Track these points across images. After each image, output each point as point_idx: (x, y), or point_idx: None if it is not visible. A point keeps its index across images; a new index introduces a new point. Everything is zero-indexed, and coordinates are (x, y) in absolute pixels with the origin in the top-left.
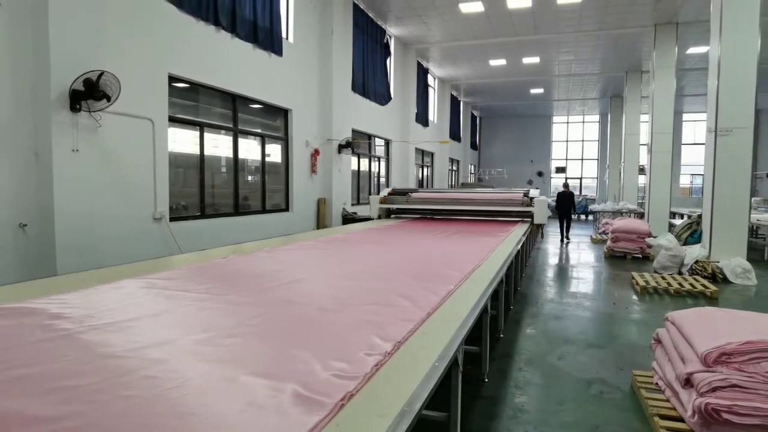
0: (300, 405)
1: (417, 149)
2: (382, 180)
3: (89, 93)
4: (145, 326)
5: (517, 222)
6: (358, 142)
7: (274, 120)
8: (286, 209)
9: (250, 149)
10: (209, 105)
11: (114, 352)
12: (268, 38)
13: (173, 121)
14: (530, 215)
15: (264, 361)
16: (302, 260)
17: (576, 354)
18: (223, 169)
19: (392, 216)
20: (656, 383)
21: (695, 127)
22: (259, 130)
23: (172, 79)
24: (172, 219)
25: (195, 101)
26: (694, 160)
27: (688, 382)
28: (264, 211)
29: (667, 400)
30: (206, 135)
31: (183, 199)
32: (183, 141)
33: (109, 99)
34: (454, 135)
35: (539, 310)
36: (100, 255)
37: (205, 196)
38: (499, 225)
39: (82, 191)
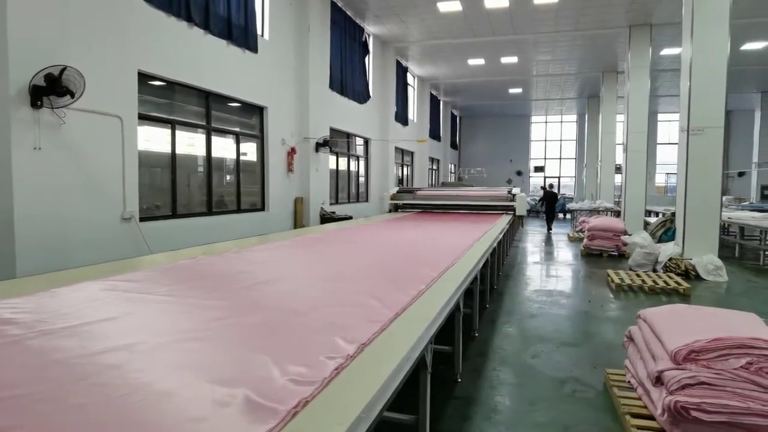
0: (251, 413)
1: (397, 148)
2: (362, 179)
3: (51, 89)
4: (102, 330)
5: (501, 214)
6: (336, 141)
7: (250, 118)
8: (262, 209)
9: (224, 148)
10: (182, 102)
11: (65, 358)
12: (242, 35)
13: (144, 118)
14: (513, 208)
15: (220, 367)
16: (274, 260)
17: (550, 352)
18: (197, 168)
19: (399, 210)
20: (628, 381)
21: (670, 127)
22: (233, 128)
23: (143, 75)
24: (142, 219)
25: (167, 98)
26: (669, 159)
27: (658, 380)
28: (239, 210)
29: (639, 399)
30: (179, 133)
31: (154, 198)
32: (154, 139)
33: (72, 95)
34: (434, 134)
35: (515, 308)
36: (66, 258)
37: (177, 196)
38: (487, 216)
39: (45, 191)
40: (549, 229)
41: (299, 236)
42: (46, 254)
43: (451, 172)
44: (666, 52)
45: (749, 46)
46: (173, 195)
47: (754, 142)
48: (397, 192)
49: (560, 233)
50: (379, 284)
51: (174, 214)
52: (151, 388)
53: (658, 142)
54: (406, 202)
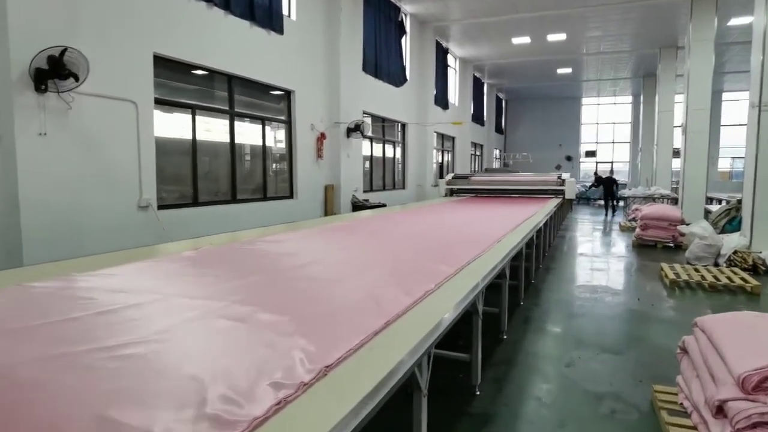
0: None
1: (437, 133)
2: (398, 166)
3: (54, 71)
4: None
5: (551, 197)
6: (369, 125)
7: (276, 102)
8: (291, 196)
9: (249, 133)
10: (202, 87)
11: None
12: (266, 15)
13: (161, 103)
14: (563, 192)
15: (144, 393)
16: (292, 250)
17: (589, 360)
18: (220, 155)
19: (454, 195)
20: (681, 403)
21: (737, 107)
22: (259, 113)
23: (159, 59)
24: (160, 207)
25: (186, 83)
26: (735, 142)
27: (720, 411)
28: (265, 198)
29: (694, 428)
30: (201, 119)
31: (173, 186)
32: (173, 125)
33: (77, 78)
34: (477, 118)
35: (552, 306)
36: (79, 247)
37: (199, 183)
38: (537, 200)
39: (53, 178)
40: (606, 214)
41: (329, 224)
42: (57, 243)
43: (495, 158)
44: (734, 22)
45: None
46: (194, 182)
47: None
48: (453, 178)
49: (612, 222)
50: (382, 280)
51: (195, 202)
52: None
53: (723, 123)
54: (461, 187)
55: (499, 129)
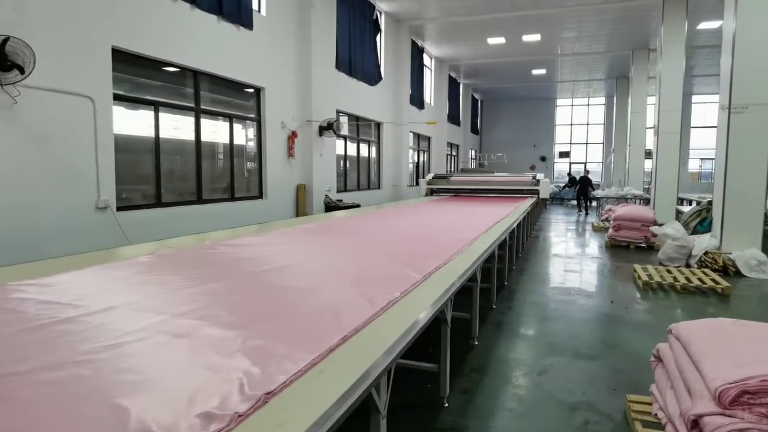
0: None
1: (413, 133)
2: (373, 166)
3: None
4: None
5: (526, 197)
6: (341, 124)
7: (246, 100)
8: (260, 196)
9: (216, 131)
10: (167, 83)
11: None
12: (235, 10)
13: (121, 99)
14: (537, 192)
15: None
16: (255, 254)
17: (562, 368)
18: (185, 153)
19: (434, 194)
20: (655, 414)
21: (705, 109)
22: (226, 111)
23: (119, 53)
24: (120, 208)
25: (150, 78)
26: (704, 143)
27: (695, 425)
28: (233, 198)
29: None
30: (166, 116)
31: (135, 186)
32: (135, 122)
33: (22, 71)
34: (453, 118)
35: (526, 309)
36: (27, 250)
37: (162, 183)
38: (513, 200)
39: None
40: (584, 210)
41: (301, 225)
42: (3, 246)
43: (471, 158)
44: (704, 26)
45: None
46: (157, 182)
47: None
48: (433, 178)
49: (585, 222)
50: (346, 288)
51: (159, 203)
52: None
53: (692, 125)
54: (441, 187)
55: (475, 129)
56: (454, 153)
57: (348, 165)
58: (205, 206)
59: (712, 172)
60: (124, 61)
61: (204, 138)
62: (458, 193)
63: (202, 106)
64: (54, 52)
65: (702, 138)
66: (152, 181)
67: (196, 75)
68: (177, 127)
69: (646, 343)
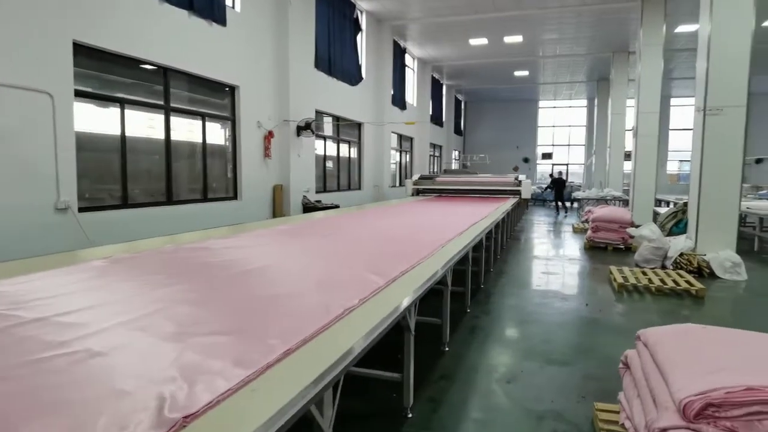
0: None
1: (395, 133)
2: (354, 166)
3: None
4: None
5: (509, 197)
6: (320, 124)
7: (220, 98)
8: (235, 197)
9: (188, 130)
10: (135, 79)
11: None
12: (206, 5)
13: (84, 96)
14: (519, 192)
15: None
16: (217, 258)
17: (533, 374)
18: (154, 153)
19: (419, 194)
20: (622, 423)
21: (683, 112)
22: (199, 109)
23: (82, 47)
24: (83, 209)
25: (117, 74)
26: (682, 145)
27: None
28: (206, 199)
29: None
30: (135, 114)
31: (100, 186)
32: (100, 119)
33: None
34: (436, 119)
35: (502, 313)
36: None
37: (128, 183)
38: (496, 200)
39: None
40: (561, 210)
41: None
42: None
43: (455, 159)
44: (681, 29)
45: None
46: (123, 182)
47: None
48: (419, 178)
49: (565, 223)
50: (303, 294)
51: (125, 204)
52: None
53: (671, 127)
54: (426, 187)
55: (458, 130)
56: (437, 154)
57: (328, 165)
58: (175, 207)
59: (690, 173)
60: (88, 56)
61: (175, 137)
62: (443, 193)
63: (172, 104)
64: (8, 46)
65: (681, 140)
66: (118, 181)
67: (166, 72)
68: (146, 125)
69: (618, 347)
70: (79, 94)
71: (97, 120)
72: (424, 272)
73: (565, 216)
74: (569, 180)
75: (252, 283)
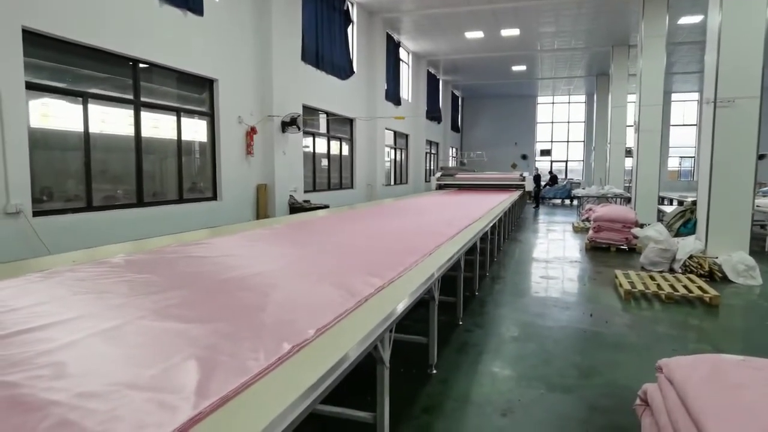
0: None
1: (390, 130)
2: (345, 164)
3: None
4: None
5: (514, 190)
6: (306, 119)
7: (197, 92)
8: (213, 197)
9: (161, 126)
10: (100, 72)
11: None
12: None
13: (38, 89)
14: (523, 186)
15: None
16: (183, 268)
17: (530, 405)
18: (123, 150)
19: (442, 189)
20: None
21: (685, 107)
22: (173, 104)
23: (34, 35)
24: (38, 213)
25: (76, 66)
26: (682, 142)
27: None
28: (181, 200)
29: None
30: (100, 109)
31: (59, 187)
32: (61, 115)
33: None
34: (433, 115)
35: (496, 326)
36: None
37: (92, 184)
38: (504, 191)
39: None
40: (537, 205)
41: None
42: None
43: (452, 156)
44: (684, 20)
45: None
46: (87, 183)
47: None
48: (441, 175)
49: (565, 222)
50: (272, 316)
51: (89, 206)
52: None
53: (672, 123)
54: (447, 183)
55: (455, 127)
56: (433, 151)
57: (318, 163)
58: (147, 209)
59: (692, 170)
60: (42, 45)
61: (147, 134)
62: (461, 188)
63: (143, 99)
64: None
65: (681, 136)
66: (82, 182)
67: (135, 64)
68: (113, 121)
69: (627, 368)
70: (33, 87)
71: (57, 116)
72: (405, 287)
73: (537, 211)
74: (569, 177)
75: (204, 306)
